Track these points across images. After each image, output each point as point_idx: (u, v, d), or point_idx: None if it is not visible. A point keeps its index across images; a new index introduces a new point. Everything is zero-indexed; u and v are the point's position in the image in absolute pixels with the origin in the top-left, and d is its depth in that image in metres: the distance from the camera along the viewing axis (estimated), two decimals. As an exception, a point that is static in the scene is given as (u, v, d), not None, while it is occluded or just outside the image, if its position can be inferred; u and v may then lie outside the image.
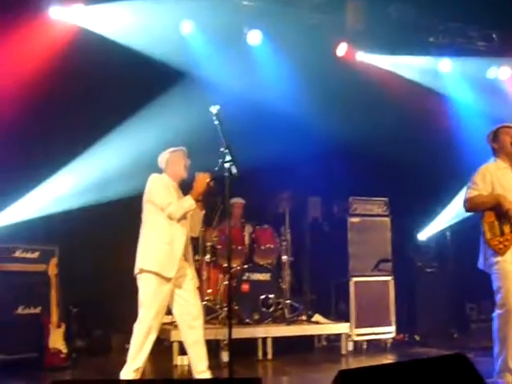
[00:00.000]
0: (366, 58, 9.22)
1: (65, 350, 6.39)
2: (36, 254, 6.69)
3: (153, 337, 4.94)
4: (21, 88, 7.10)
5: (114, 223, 7.51)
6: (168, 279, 4.93)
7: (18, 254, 6.59)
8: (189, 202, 4.98)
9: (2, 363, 6.21)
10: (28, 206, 7.27)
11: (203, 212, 5.26)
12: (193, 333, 5.04)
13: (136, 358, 4.88)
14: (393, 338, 7.82)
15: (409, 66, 9.30)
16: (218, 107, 4.74)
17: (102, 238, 7.54)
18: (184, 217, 5.03)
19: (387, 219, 8.09)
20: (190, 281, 5.11)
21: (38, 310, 6.55)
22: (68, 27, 7.64)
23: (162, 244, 4.99)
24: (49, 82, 7.31)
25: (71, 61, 7.45)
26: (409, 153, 8.53)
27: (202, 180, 5.00)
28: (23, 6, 7.28)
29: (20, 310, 6.47)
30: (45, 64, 7.29)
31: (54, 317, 6.42)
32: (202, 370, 5.02)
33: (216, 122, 4.74)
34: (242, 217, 7.88)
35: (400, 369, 2.86)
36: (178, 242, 5.02)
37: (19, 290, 6.49)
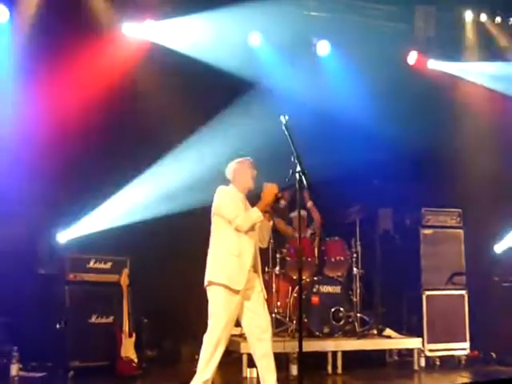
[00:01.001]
0: (438, 65, 9.04)
1: (136, 360, 6.48)
2: (109, 265, 6.83)
3: (222, 348, 4.92)
4: (94, 102, 7.31)
5: (185, 234, 7.59)
6: (237, 291, 4.92)
7: (91, 264, 6.75)
8: (256, 214, 4.95)
9: (76, 370, 6.37)
10: (100, 218, 7.44)
11: (271, 223, 5.21)
12: (261, 345, 5.00)
13: (205, 369, 4.88)
14: (467, 355, 7.57)
15: (482, 72, 9.04)
16: (287, 117, 4.68)
17: (172, 249, 7.63)
18: (252, 228, 5.00)
19: (461, 231, 7.87)
20: (259, 293, 5.06)
21: (110, 320, 6.68)
22: (140, 43, 7.83)
23: (231, 256, 4.96)
24: (121, 95, 7.50)
25: (143, 74, 7.63)
26: (482, 161, 8.28)
27: (270, 191, 4.96)
28: (96, 23, 7.51)
29: (93, 319, 6.61)
30: (118, 78, 7.49)
31: (126, 326, 6.52)
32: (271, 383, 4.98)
33: (285, 132, 4.68)
34: (306, 228, 7.79)
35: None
36: (247, 253, 4.99)
37: (93, 300, 6.65)
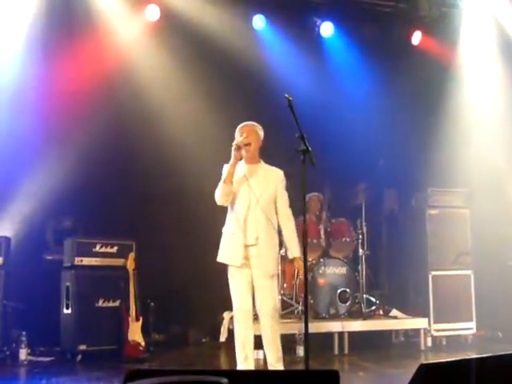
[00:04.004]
0: (442, 46, 8.95)
1: (143, 343, 6.51)
2: (115, 249, 6.83)
3: (242, 325, 4.97)
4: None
5: (190, 218, 7.60)
6: (237, 268, 4.94)
7: (97, 248, 6.75)
8: (220, 182, 4.93)
9: (84, 354, 6.41)
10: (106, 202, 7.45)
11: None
12: (264, 334, 5.04)
13: (238, 347, 5.00)
14: (473, 334, 7.59)
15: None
16: (291, 96, 4.60)
17: (178, 232, 7.64)
18: (225, 201, 4.95)
19: (467, 211, 7.85)
20: (270, 277, 5.01)
21: (117, 304, 6.69)
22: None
23: (227, 234, 5.05)
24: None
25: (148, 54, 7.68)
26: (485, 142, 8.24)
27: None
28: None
29: (100, 303, 6.63)
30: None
31: (133, 310, 6.54)
32: (270, 363, 5.04)
33: (290, 110, 4.54)
34: (318, 210, 7.77)
35: (483, 363, 2.75)
36: (241, 229, 4.95)
37: (99, 284, 6.65)
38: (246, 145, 4.99)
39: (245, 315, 5.01)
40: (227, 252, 5.02)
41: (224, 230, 5.08)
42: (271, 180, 5.06)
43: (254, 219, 4.96)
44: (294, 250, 5.07)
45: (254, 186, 4.99)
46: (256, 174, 5.05)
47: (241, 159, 4.99)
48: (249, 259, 4.96)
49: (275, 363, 4.99)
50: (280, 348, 5.06)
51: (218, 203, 4.98)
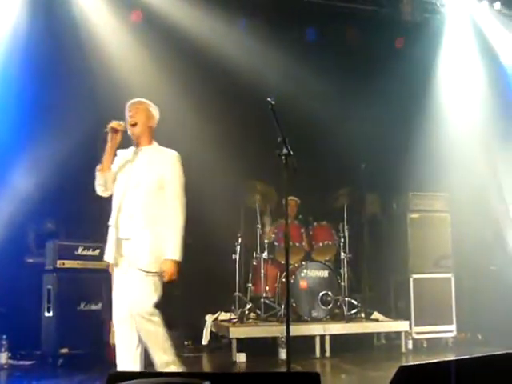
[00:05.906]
0: (424, 51, 9.04)
1: (125, 346, 6.47)
2: (97, 252, 6.78)
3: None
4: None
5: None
6: (116, 265, 4.44)
7: (79, 251, 6.71)
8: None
9: (65, 357, 6.37)
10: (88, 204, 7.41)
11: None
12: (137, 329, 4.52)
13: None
14: (454, 337, 7.66)
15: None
16: (273, 99, 4.50)
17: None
18: (101, 191, 4.49)
19: (447, 215, 7.92)
20: (137, 272, 4.35)
21: (99, 307, 6.66)
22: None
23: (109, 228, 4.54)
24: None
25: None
26: (466, 147, 8.33)
27: None
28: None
29: (82, 306, 6.59)
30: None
31: (114, 313, 6.51)
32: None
33: (272, 114, 4.49)
34: (295, 215, 7.80)
35: (462, 365, 2.78)
36: (115, 221, 4.44)
37: (81, 287, 6.61)
38: (133, 125, 4.48)
39: (117, 318, 4.48)
40: (106, 247, 4.49)
41: None
42: (158, 163, 4.45)
43: (128, 209, 4.38)
44: (167, 249, 4.36)
45: (135, 171, 4.43)
46: (142, 157, 4.49)
47: (117, 143, 4.44)
48: (124, 255, 4.40)
49: (160, 367, 4.40)
50: (166, 350, 4.47)
51: (97, 193, 4.51)
